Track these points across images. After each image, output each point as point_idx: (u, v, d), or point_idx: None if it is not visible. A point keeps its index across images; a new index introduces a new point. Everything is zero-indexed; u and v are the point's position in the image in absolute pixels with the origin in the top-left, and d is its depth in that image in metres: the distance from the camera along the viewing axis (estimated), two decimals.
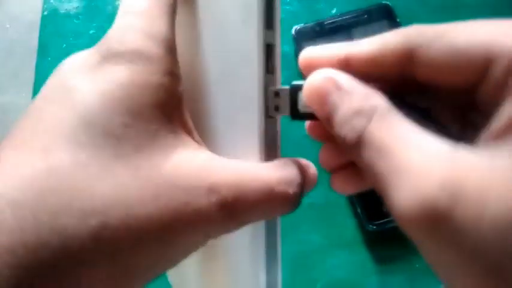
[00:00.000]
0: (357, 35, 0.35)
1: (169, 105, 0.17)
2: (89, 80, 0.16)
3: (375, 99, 0.15)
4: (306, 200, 0.32)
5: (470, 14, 0.36)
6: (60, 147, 0.15)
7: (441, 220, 0.12)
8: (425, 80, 0.15)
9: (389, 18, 0.35)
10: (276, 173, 0.17)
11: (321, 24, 0.35)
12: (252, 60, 0.19)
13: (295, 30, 0.35)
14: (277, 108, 0.18)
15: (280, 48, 0.19)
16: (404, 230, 0.13)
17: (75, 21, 0.36)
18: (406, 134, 0.14)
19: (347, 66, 0.16)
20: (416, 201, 0.12)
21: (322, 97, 0.16)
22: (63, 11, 0.37)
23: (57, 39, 0.36)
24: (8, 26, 0.37)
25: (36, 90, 0.34)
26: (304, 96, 0.16)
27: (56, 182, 0.14)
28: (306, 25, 0.35)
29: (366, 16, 0.35)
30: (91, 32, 0.36)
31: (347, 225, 0.31)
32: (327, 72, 0.16)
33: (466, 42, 0.14)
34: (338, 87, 0.15)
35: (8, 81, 0.35)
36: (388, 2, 0.35)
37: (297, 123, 0.37)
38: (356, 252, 0.30)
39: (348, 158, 0.18)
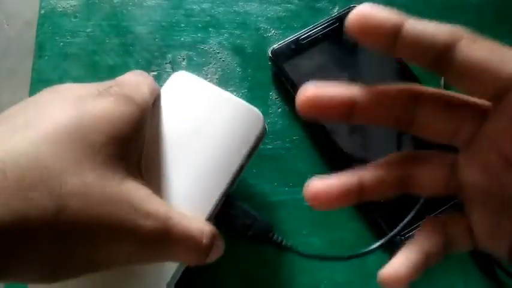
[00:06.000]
0: (334, 43, 0.33)
1: (134, 142, 0.22)
2: (78, 105, 0.20)
3: None
4: (306, 204, 0.31)
5: (474, 14, 0.36)
6: (46, 142, 0.18)
7: None
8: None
9: None
10: (198, 224, 0.21)
11: (296, 41, 0.33)
12: (229, 172, 0.25)
13: (271, 52, 0.33)
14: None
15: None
16: None
17: (72, 19, 0.36)
18: None
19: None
20: None
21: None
22: (61, 10, 0.36)
23: (54, 38, 0.35)
24: (5, 24, 0.37)
25: (33, 89, 0.34)
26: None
27: (36, 164, 0.17)
28: (281, 45, 0.33)
29: (338, 24, 0.34)
30: (88, 30, 0.36)
31: (348, 228, 0.31)
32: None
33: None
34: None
35: (5, 80, 0.35)
36: (355, 4, 0.34)
37: (292, 126, 0.36)
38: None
39: None
